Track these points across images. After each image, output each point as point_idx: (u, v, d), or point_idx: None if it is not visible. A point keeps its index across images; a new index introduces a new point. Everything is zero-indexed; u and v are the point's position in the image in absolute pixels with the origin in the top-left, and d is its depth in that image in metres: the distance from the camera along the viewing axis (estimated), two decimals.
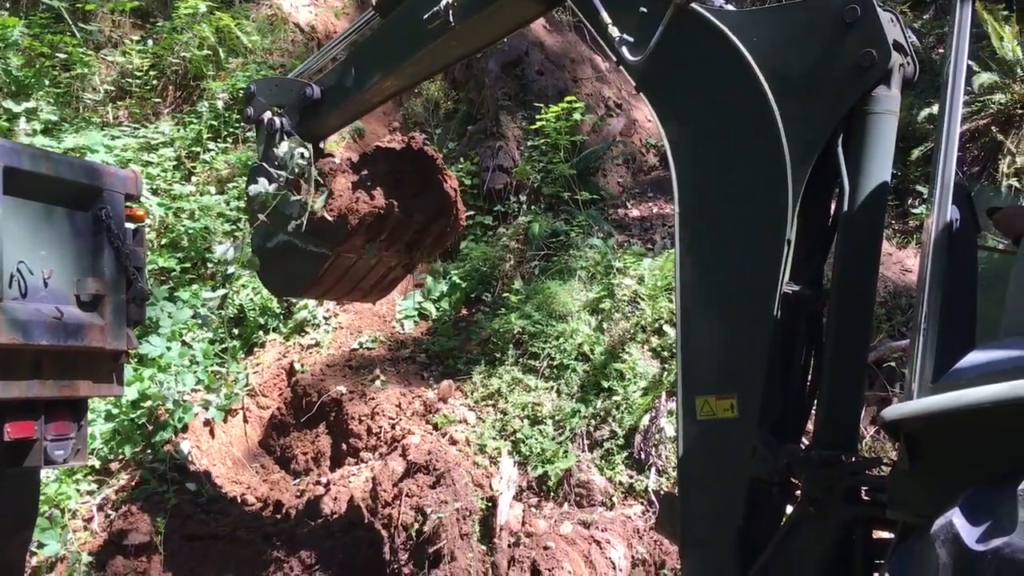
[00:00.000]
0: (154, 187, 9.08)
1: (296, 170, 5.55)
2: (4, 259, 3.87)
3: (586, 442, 7.09)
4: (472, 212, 9.59)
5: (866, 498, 3.45)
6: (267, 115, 5.77)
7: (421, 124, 10.66)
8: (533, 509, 6.77)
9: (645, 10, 3.82)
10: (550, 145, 9.32)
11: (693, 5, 3.69)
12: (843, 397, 3.53)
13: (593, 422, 7.12)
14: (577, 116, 9.29)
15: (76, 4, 10.85)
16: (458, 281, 8.88)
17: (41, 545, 6.43)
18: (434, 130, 10.28)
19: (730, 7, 3.95)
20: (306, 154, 5.56)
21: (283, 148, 5.67)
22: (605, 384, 7.19)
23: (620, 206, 9.64)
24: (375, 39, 5.31)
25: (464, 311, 8.83)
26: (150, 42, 10.96)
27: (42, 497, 5.92)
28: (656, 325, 7.38)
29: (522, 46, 10.46)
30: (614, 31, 3.89)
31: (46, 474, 6.49)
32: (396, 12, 5.04)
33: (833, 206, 3.67)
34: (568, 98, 9.33)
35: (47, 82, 10.18)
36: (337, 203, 5.41)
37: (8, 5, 10.98)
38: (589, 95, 10.43)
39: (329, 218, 5.38)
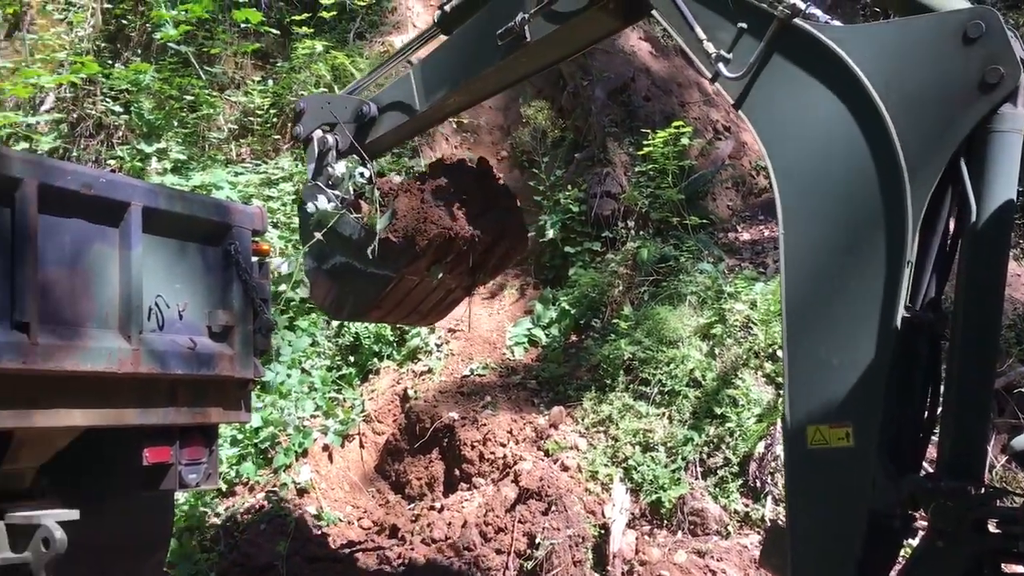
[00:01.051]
0: (275, 220, 9.45)
1: (355, 189, 5.37)
2: (144, 293, 4.12)
3: (699, 469, 7.00)
4: (580, 239, 9.66)
5: (996, 530, 3.31)
6: (318, 133, 5.60)
7: (528, 152, 10.80)
8: (646, 537, 6.72)
9: (744, 25, 3.72)
10: (658, 170, 9.30)
11: (797, 20, 3.62)
12: (970, 425, 3.39)
13: (706, 449, 7.03)
14: (685, 140, 9.25)
15: (202, 49, 11.44)
16: (567, 307, 8.93)
17: (173, 565, 6.74)
18: (541, 158, 10.39)
19: (836, 22, 3.84)
20: (367, 173, 5.40)
21: (340, 167, 5.48)
22: (718, 410, 7.10)
23: (730, 230, 9.53)
24: (439, 56, 5.14)
25: (574, 337, 8.86)
26: (270, 82, 11.45)
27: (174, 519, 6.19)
28: (770, 350, 7.25)
29: (628, 72, 10.49)
30: (709, 47, 3.82)
31: (178, 497, 6.80)
32: (463, 28, 4.93)
33: (953, 225, 3.54)
34: (675, 123, 9.31)
35: (176, 123, 10.76)
36: (402, 223, 5.21)
37: (140, 52, 11.66)
38: (696, 119, 10.38)
39: (394, 239, 5.19)
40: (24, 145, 10.17)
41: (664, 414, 7.37)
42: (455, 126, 11.38)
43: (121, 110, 10.81)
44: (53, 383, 3.72)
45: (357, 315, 5.88)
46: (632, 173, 9.78)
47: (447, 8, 4.97)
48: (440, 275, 5.53)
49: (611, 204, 9.61)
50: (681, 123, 9.37)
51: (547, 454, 7.35)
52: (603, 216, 9.57)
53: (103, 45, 11.66)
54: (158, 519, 4.96)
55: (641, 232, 9.38)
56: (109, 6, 11.72)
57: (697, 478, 6.96)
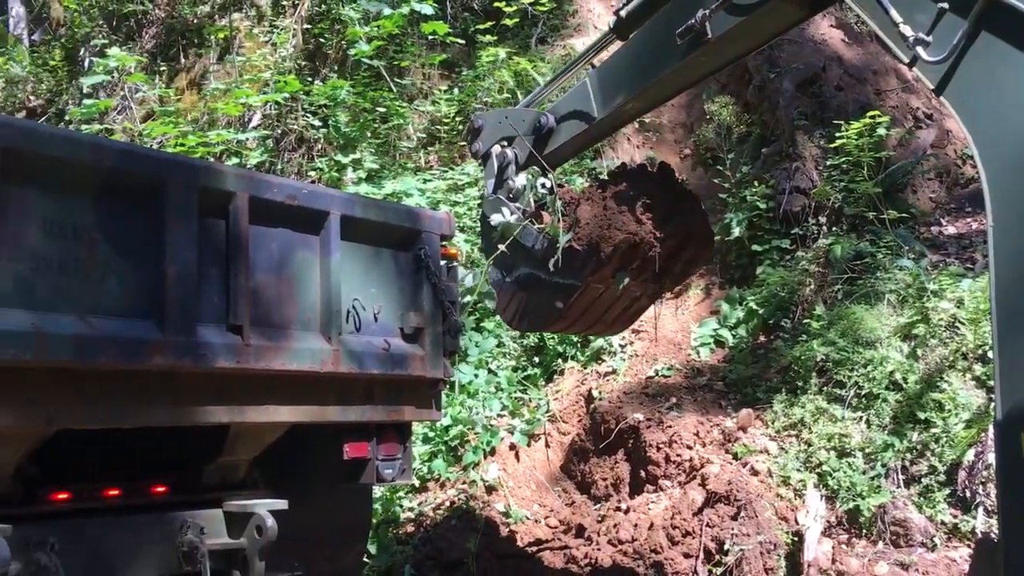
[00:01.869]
0: (461, 225, 9.73)
1: (536, 200, 5.36)
2: (342, 297, 4.36)
3: (901, 477, 6.62)
4: (768, 236, 9.37)
5: None
6: (496, 148, 5.61)
7: (713, 150, 10.58)
8: (844, 546, 6.43)
9: (945, 5, 3.49)
10: (852, 163, 8.88)
11: None
12: None
13: (908, 456, 6.64)
14: (881, 131, 8.78)
15: (393, 62, 11.94)
16: (755, 307, 8.68)
17: (371, 556, 7.07)
18: (726, 155, 10.15)
19: None
20: (548, 184, 5.37)
21: (521, 180, 5.47)
22: (921, 415, 6.69)
23: (933, 223, 8.96)
24: (616, 61, 5.09)
25: (762, 338, 8.61)
26: (456, 90, 11.81)
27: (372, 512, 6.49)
28: (979, 352, 6.76)
29: (818, 62, 10.08)
30: (906, 30, 3.61)
31: (374, 491, 7.12)
32: (640, 31, 4.85)
33: None
34: (871, 112, 8.85)
35: (369, 134, 11.29)
36: (585, 231, 5.15)
37: (337, 68, 12.32)
38: (894, 107, 9.83)
39: (578, 247, 5.13)
40: (235, 160, 10.96)
41: (861, 418, 7.02)
42: (637, 126, 11.30)
43: (320, 124, 11.45)
44: (263, 381, 3.99)
45: (542, 325, 5.86)
46: (823, 167, 9.38)
47: (623, 13, 4.91)
48: (625, 281, 5.42)
49: (801, 200, 9.25)
50: (877, 112, 8.89)
51: (735, 457, 7.17)
52: (792, 212, 9.23)
53: (303, 64, 12.40)
54: (357, 511, 5.21)
55: (834, 228, 8.98)
56: (309, 27, 12.45)
57: (899, 486, 6.58)
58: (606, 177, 5.74)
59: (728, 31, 4.34)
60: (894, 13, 3.64)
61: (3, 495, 3.57)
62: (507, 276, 5.54)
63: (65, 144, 3.40)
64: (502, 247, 5.33)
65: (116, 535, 3.82)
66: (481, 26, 11.78)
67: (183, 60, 13.66)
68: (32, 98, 14.72)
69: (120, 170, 3.54)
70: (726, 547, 6.32)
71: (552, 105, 5.53)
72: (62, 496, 3.84)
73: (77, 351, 3.27)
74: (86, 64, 14.02)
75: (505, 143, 5.60)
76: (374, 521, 6.99)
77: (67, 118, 13.05)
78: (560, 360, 9.20)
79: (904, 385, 6.97)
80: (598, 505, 7.78)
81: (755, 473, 6.95)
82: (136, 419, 3.59)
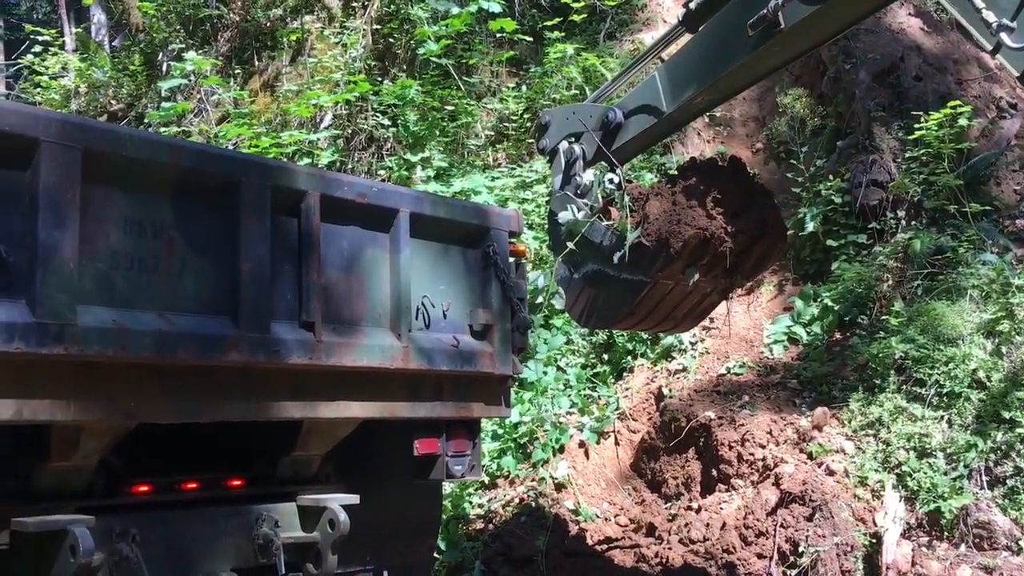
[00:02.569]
0: (529, 222, 9.73)
1: (604, 196, 5.26)
2: (412, 294, 4.39)
3: (985, 479, 6.40)
4: (843, 231, 9.16)
5: None
6: (564, 144, 5.55)
7: (786, 143, 10.39)
8: (924, 549, 6.25)
9: None
10: (932, 155, 8.62)
11: None
12: None
13: (993, 456, 6.42)
14: (963, 121, 8.50)
15: (461, 60, 12.00)
16: (830, 303, 8.49)
17: (442, 551, 7.12)
18: (799, 148, 9.95)
19: None
20: (616, 179, 5.26)
21: (588, 176, 5.40)
22: (1006, 415, 6.46)
23: (1018, 216, 8.64)
24: (685, 54, 5.00)
25: (837, 335, 8.42)
26: (524, 88, 11.81)
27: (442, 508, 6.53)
28: None
29: (896, 52, 9.80)
30: (989, 16, 3.48)
31: (444, 487, 7.17)
32: (710, 23, 4.77)
33: None
34: (952, 103, 8.57)
35: (437, 132, 11.37)
36: (654, 227, 5.05)
37: (406, 68, 12.43)
38: (976, 97, 9.50)
39: (647, 243, 5.04)
40: (307, 160, 11.14)
41: (942, 417, 6.81)
42: (707, 120, 11.16)
43: (389, 123, 11.58)
44: (334, 378, 4.03)
45: (610, 322, 5.80)
46: (902, 159, 9.12)
47: (692, 5, 4.84)
48: (695, 277, 5.32)
49: (878, 193, 9.01)
50: (958, 103, 8.61)
51: (810, 457, 7.02)
52: (869, 206, 9.00)
53: (373, 64, 12.54)
54: (428, 507, 5.24)
55: (913, 222, 8.73)
56: (378, 27, 12.59)
57: (982, 488, 6.37)
58: (675, 172, 5.66)
59: (802, 21, 4.25)
60: None
61: (87, 487, 3.68)
62: (575, 272, 5.49)
63: (144, 145, 3.48)
64: (570, 244, 5.29)
65: (194, 527, 3.90)
66: (549, 23, 11.75)
67: (257, 63, 13.94)
68: (113, 102, 15.20)
69: (196, 170, 3.61)
70: (801, 548, 6.20)
71: (620, 100, 5.47)
72: (143, 488, 3.93)
73: (157, 347, 3.35)
74: (164, 68, 14.42)
75: (572, 139, 5.55)
76: (444, 517, 7.03)
77: (146, 121, 13.45)
78: (630, 357, 9.14)
79: (988, 383, 6.75)
80: (669, 504, 7.70)
81: (831, 473, 6.79)
82: (212, 414, 3.66)
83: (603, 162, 5.44)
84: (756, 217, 5.40)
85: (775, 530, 6.41)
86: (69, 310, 3.12)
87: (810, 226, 9.21)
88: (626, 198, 5.20)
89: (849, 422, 7.23)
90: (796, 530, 6.32)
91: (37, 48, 16.11)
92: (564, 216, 5.34)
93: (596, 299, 5.47)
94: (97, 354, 3.20)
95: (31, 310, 3.06)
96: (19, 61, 18.98)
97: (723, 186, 5.32)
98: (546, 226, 6.36)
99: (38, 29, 16.56)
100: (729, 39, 4.59)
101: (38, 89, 16.18)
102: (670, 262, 5.11)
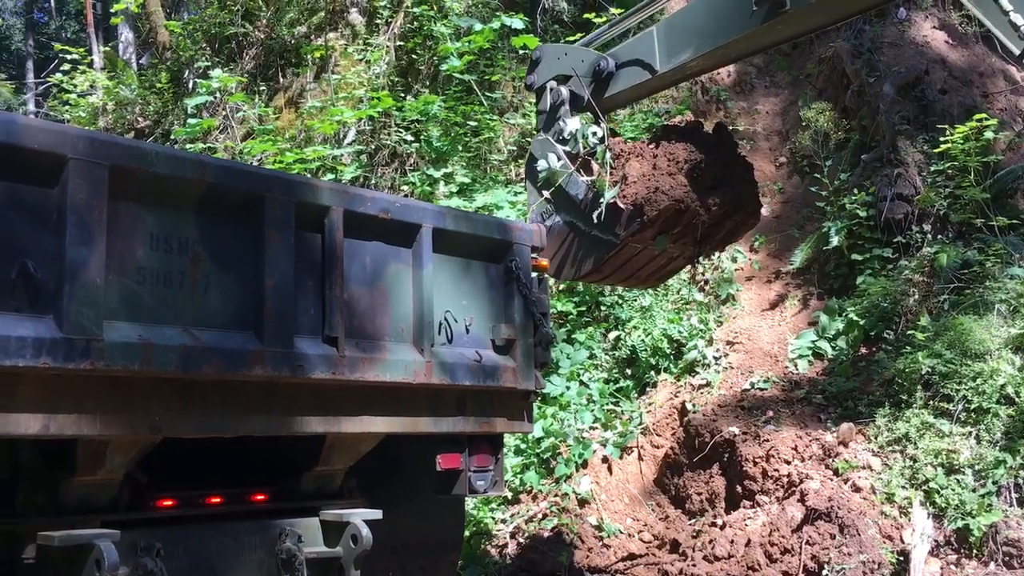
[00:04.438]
0: None
1: (586, 149, 5.18)
2: (434, 309, 4.39)
3: (1014, 495, 6.32)
4: (868, 245, 9.09)
5: None
6: (552, 84, 5.42)
7: (809, 157, 10.34)
8: (952, 567, 6.16)
9: None
10: (958, 168, 8.55)
11: None
12: None
13: (1022, 473, 6.33)
14: (989, 134, 8.43)
15: (483, 76, 12.05)
16: (855, 318, 8.42)
17: (464, 566, 7.10)
18: (823, 162, 9.90)
19: None
20: (599, 133, 5.16)
21: (573, 124, 5.29)
22: None
23: None
24: (688, 16, 4.93)
25: (863, 350, 8.34)
26: None
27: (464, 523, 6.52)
28: None
29: (920, 65, 9.75)
30: (1017, 19, 3.45)
31: (467, 502, 7.16)
32: None
33: None
34: (977, 116, 8.50)
35: (460, 148, 11.40)
36: (631, 190, 4.95)
37: (428, 84, 12.49)
38: (1003, 110, 9.44)
39: (622, 206, 4.96)
40: (330, 175, 11.21)
41: (970, 433, 6.73)
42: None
43: (412, 139, 11.62)
44: (357, 392, 4.04)
45: (574, 275, 5.71)
46: (927, 173, 9.06)
47: None
48: (665, 246, 5.30)
49: (903, 207, 8.95)
50: (984, 116, 8.54)
51: (836, 473, 6.95)
52: (894, 220, 8.94)
53: (396, 80, 12.61)
54: (450, 522, 5.23)
55: (939, 236, 8.66)
56: (401, 44, 12.67)
57: (1012, 504, 6.28)
58: (658, 132, 5.53)
59: (808, 5, 4.24)
60: (1004, 1, 3.48)
61: (112, 501, 3.70)
62: (546, 220, 5.41)
63: (170, 162, 3.51)
64: (546, 193, 5.24)
65: (218, 541, 3.91)
66: (571, 38, 11.77)
67: (281, 80, 14.06)
68: (140, 119, 15.36)
69: (221, 186, 3.64)
70: (827, 566, 6.13)
71: (614, 50, 5.37)
72: (167, 503, 3.95)
73: (182, 362, 3.37)
74: (190, 86, 14.57)
75: (562, 79, 5.44)
76: (466, 532, 7.01)
77: (172, 137, 13.58)
78: (653, 372, 9.10)
79: (1016, 399, 6.66)
80: (693, 520, 7.64)
81: (857, 489, 6.72)
82: (236, 428, 3.67)
83: (589, 112, 5.34)
84: (733, 192, 5.35)
85: (801, 547, 6.34)
86: (96, 325, 3.15)
87: (835, 240, 9.15)
88: (608, 155, 5.11)
89: (875, 438, 7.15)
90: (822, 547, 6.25)
91: (66, 66, 16.33)
92: (542, 165, 5.28)
93: (565, 251, 5.41)
94: (123, 369, 3.22)
95: (58, 325, 3.09)
96: (48, 79, 19.27)
97: (705, 154, 5.25)
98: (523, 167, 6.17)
99: (67, 48, 16.79)
100: (733, 10, 4.55)
101: (66, 107, 16.40)
102: (642, 228, 5.07)
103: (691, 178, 5.15)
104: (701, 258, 6.26)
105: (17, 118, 3.21)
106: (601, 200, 5.02)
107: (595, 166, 5.21)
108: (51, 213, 3.16)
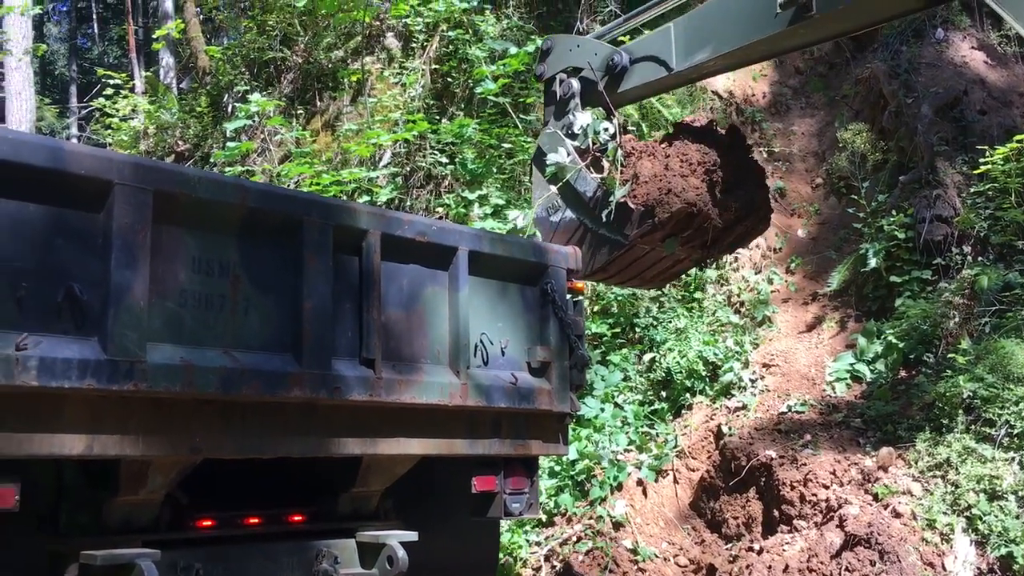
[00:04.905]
0: None
1: (596, 145, 5.06)
2: (470, 331, 4.41)
3: None
4: (907, 267, 8.99)
5: None
6: (562, 76, 5.27)
7: (846, 178, 10.27)
8: None
9: None
10: (998, 189, 8.44)
11: None
12: None
13: None
14: None
15: (518, 99, 12.10)
16: (894, 341, 8.32)
17: None
18: (860, 184, 9.82)
19: None
20: (611, 129, 5.04)
21: (584, 118, 5.15)
22: None
23: None
24: (705, 16, 4.81)
25: (902, 373, 8.23)
26: None
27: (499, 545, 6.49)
28: None
29: (959, 85, 9.67)
30: None
31: (501, 525, 7.14)
32: None
33: None
34: (1018, 136, 8.40)
35: (495, 170, 11.45)
36: (642, 190, 4.83)
37: (463, 106, 12.58)
38: None
39: (632, 206, 4.83)
40: (366, 197, 11.31)
41: (1014, 459, 6.60)
42: (766, 155, 11.08)
43: (447, 161, 11.70)
44: (394, 414, 4.07)
45: (581, 274, 5.52)
46: (966, 194, 8.96)
47: None
48: (674, 248, 5.17)
49: (943, 229, 8.85)
50: None
51: (876, 498, 6.85)
52: (933, 242, 8.84)
53: (431, 103, 12.72)
54: (486, 544, 5.23)
55: (979, 258, 8.54)
56: (437, 67, 12.79)
57: None
58: (670, 132, 5.42)
59: (834, 10, 4.17)
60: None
61: (153, 521, 3.75)
62: (551, 215, 5.29)
63: (212, 186, 3.58)
64: (553, 188, 5.12)
65: (256, 562, 3.94)
66: None
67: (318, 103, 14.24)
68: (180, 142, 15.63)
69: (262, 210, 3.70)
70: None
71: (628, 44, 5.23)
72: (207, 523, 3.99)
73: (222, 384, 3.42)
74: (229, 109, 14.80)
75: (572, 71, 5.30)
76: (500, 555, 6.99)
77: (212, 160, 13.79)
78: (688, 394, 9.04)
79: None
80: (729, 545, 7.56)
81: (897, 515, 6.61)
82: (275, 449, 3.71)
83: (601, 106, 5.21)
84: (745, 196, 5.26)
85: (840, 573, 6.25)
86: (139, 348, 3.21)
87: (872, 262, 9.06)
88: (619, 152, 5.00)
89: (916, 463, 7.04)
90: (862, 574, 6.15)
91: (109, 91, 16.67)
92: (552, 159, 5.15)
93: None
94: (165, 391, 3.27)
95: (103, 348, 3.15)
96: (91, 104, 19.68)
97: (718, 158, 5.16)
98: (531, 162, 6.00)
99: (110, 73, 17.15)
100: (756, 12, 4.47)
101: (108, 131, 16.74)
102: (653, 230, 4.97)
103: (704, 181, 5.05)
104: (708, 261, 6.15)
105: (64, 144, 3.28)
106: (611, 199, 4.93)
107: (605, 165, 5.11)
108: (97, 237, 3.23)
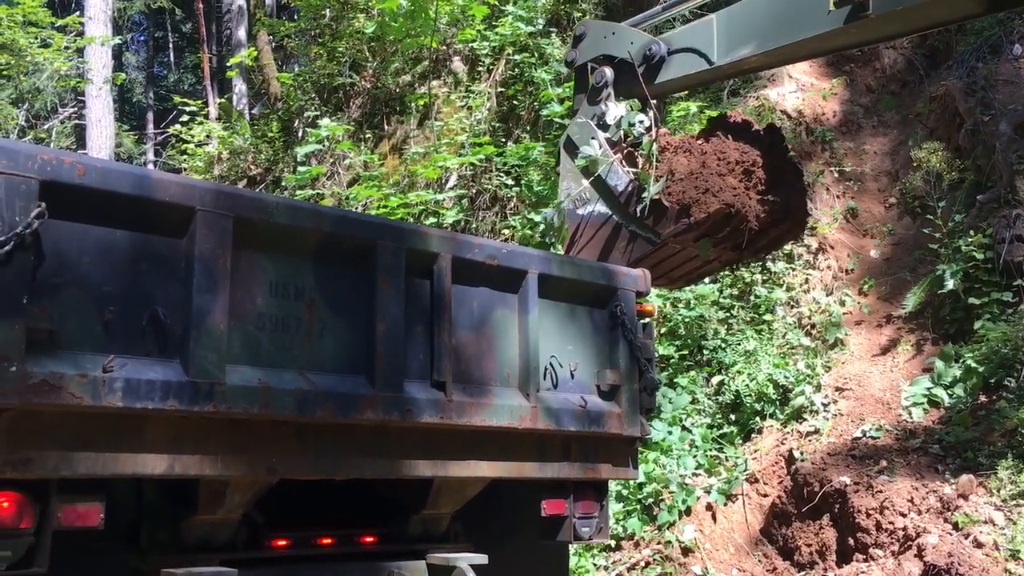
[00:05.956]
0: None
1: (630, 138, 4.86)
2: (540, 354, 4.40)
3: None
4: (986, 289, 8.74)
5: None
6: (593, 65, 5.07)
7: (921, 198, 10.05)
8: None
9: None
10: None
11: None
12: None
13: None
14: None
15: None
16: (974, 365, 8.08)
17: None
18: (936, 203, 9.59)
19: None
20: (646, 122, 4.83)
21: (617, 111, 4.96)
22: None
23: None
24: (751, 9, 4.63)
25: (983, 398, 7.98)
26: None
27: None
28: None
29: None
30: None
31: (570, 548, 7.09)
32: None
33: None
34: None
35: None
36: (678, 188, 4.64)
37: (529, 129, 12.66)
38: None
39: (667, 204, 4.64)
40: (432, 220, 11.43)
41: None
42: (837, 175, 10.90)
43: (513, 183, 11.77)
44: (464, 437, 4.07)
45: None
46: None
47: None
48: (708, 250, 4.96)
49: (1023, 249, 8.59)
50: None
51: (956, 527, 6.64)
52: (1014, 263, 8.58)
53: (497, 125, 12.82)
54: (555, 568, 5.18)
55: None
56: (502, 90, 12.89)
57: None
58: (707, 128, 5.22)
59: (892, 11, 4.04)
60: None
61: (230, 540, 3.82)
62: (579, 208, 5.11)
63: (289, 212, 3.65)
64: (585, 182, 4.94)
65: None
66: None
67: (386, 127, 14.47)
68: (252, 167, 16.01)
69: (336, 235, 3.76)
70: None
71: (667, 34, 5.05)
72: (282, 543, 4.05)
73: (298, 405, 3.47)
74: (300, 134, 15.13)
75: (605, 60, 5.11)
76: None
77: (283, 184, 14.09)
78: (758, 418, 8.89)
79: None
80: (802, 573, 7.40)
81: (979, 545, 6.40)
82: (349, 471, 3.74)
83: (636, 98, 5.03)
84: (782, 199, 5.07)
85: None
86: (219, 370, 3.28)
87: (950, 283, 8.83)
88: (654, 147, 4.80)
89: (998, 491, 6.81)
90: None
91: (184, 117, 17.18)
92: (586, 151, 4.97)
93: (598, 241, 5.10)
94: (243, 412, 3.33)
95: (184, 370, 3.23)
96: (167, 130, 20.29)
97: (756, 158, 4.99)
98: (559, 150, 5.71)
99: (185, 100, 17.70)
100: (805, 9, 4.33)
101: (184, 156, 17.23)
102: (687, 230, 4.81)
103: (742, 181, 4.90)
104: (739, 264, 5.97)
105: (151, 173, 3.39)
106: (644, 195, 4.77)
107: (638, 157, 4.92)
108: (179, 262, 3.32)
